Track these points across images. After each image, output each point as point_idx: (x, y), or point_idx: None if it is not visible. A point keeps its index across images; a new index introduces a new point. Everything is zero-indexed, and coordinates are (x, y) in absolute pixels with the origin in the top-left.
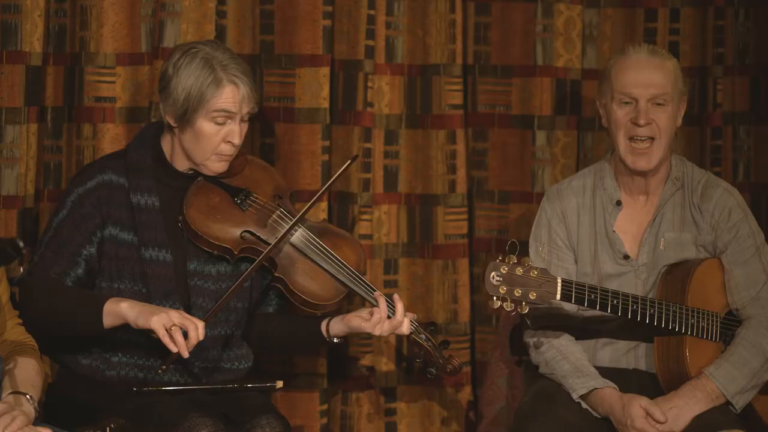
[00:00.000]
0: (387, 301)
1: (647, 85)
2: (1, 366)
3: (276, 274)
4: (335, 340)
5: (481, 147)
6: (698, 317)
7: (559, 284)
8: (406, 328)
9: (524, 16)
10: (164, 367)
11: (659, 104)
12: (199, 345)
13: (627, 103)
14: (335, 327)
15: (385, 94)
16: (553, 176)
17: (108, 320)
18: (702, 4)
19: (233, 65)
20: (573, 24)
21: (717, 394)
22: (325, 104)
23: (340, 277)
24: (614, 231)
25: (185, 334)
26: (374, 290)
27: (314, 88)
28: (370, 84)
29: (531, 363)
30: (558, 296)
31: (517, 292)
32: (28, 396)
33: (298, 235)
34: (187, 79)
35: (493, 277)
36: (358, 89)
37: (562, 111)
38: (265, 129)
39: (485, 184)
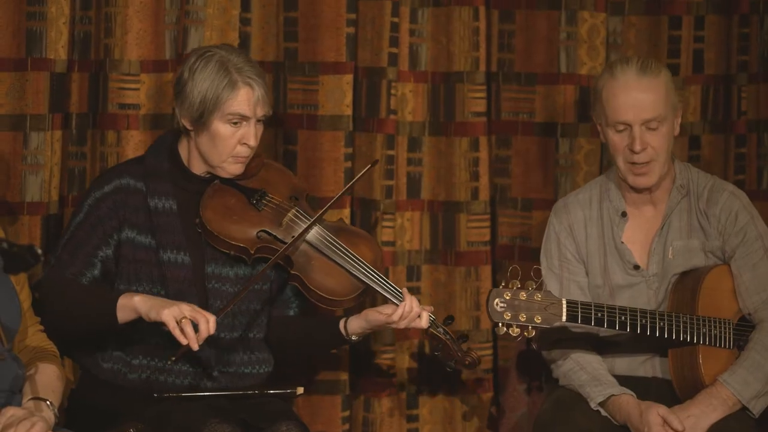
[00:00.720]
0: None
1: (638, 110)
2: (22, 372)
3: (292, 272)
4: (353, 338)
5: (504, 154)
6: (710, 326)
7: (564, 306)
8: (424, 321)
9: (548, 23)
10: (174, 358)
11: (652, 128)
12: (219, 348)
13: (621, 130)
14: (353, 324)
15: (408, 102)
16: (576, 183)
17: (122, 314)
18: (727, 11)
19: (248, 68)
20: (597, 32)
21: (733, 401)
22: (348, 111)
23: (356, 273)
24: (623, 242)
25: (196, 327)
26: (392, 285)
27: (337, 95)
28: (393, 91)
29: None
30: (564, 318)
31: (522, 317)
32: (48, 402)
33: (314, 233)
34: (203, 82)
35: (497, 304)
36: (382, 96)
37: (586, 118)
38: (288, 136)
39: (508, 191)
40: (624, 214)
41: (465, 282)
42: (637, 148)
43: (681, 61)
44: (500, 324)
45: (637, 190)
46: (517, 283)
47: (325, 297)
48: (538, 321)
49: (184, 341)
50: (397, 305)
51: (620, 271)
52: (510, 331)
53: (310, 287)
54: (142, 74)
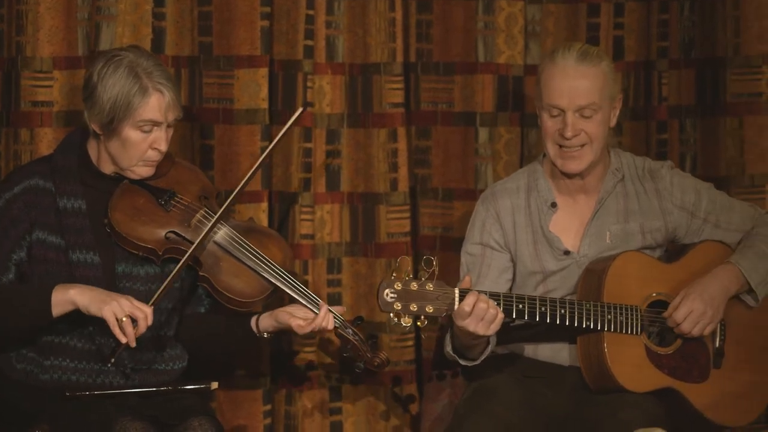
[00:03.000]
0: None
1: (573, 96)
2: None
3: (201, 273)
4: (265, 335)
5: (424, 145)
6: (616, 312)
7: (457, 295)
8: (330, 323)
9: (465, 13)
10: (113, 359)
11: (586, 116)
12: (135, 347)
13: (555, 115)
14: (264, 322)
15: (326, 94)
16: (496, 173)
17: (57, 309)
18: None
19: (158, 72)
20: (515, 20)
21: (742, 281)
22: (264, 105)
23: (265, 274)
24: (550, 230)
25: (135, 323)
26: (301, 286)
27: (253, 89)
28: (309, 84)
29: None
30: (456, 306)
31: (413, 307)
32: None
33: (223, 234)
34: (113, 87)
35: (387, 294)
36: (298, 89)
37: (505, 108)
38: (204, 130)
39: (429, 182)
40: (554, 205)
41: (386, 274)
42: (568, 134)
43: (601, 48)
44: (391, 314)
45: (568, 176)
46: (409, 273)
47: (234, 299)
48: (430, 311)
49: (123, 340)
50: (304, 305)
51: (551, 258)
52: (401, 321)
53: (218, 289)
54: (54, 71)
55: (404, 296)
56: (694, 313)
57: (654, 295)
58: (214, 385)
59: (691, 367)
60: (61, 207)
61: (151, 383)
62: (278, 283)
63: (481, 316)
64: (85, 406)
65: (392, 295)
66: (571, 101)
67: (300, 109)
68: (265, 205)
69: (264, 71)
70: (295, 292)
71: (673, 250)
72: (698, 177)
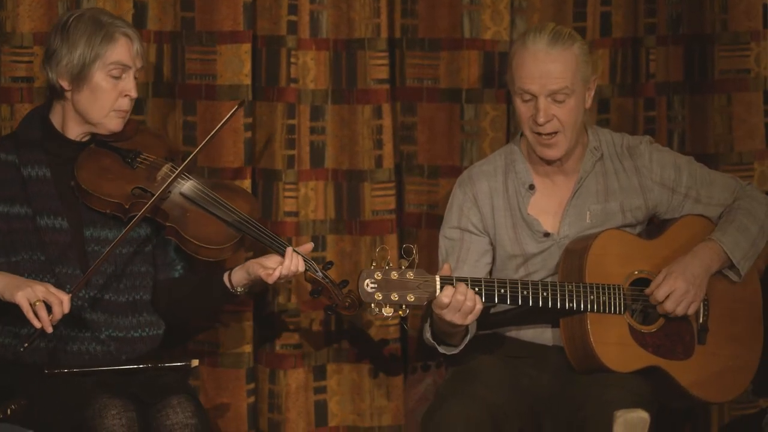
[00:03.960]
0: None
1: (545, 80)
2: None
3: (167, 224)
4: (239, 290)
5: (409, 121)
6: (598, 292)
7: (438, 282)
8: (300, 265)
9: None
10: (26, 345)
11: (558, 101)
12: (107, 312)
13: (527, 99)
14: (236, 275)
15: (310, 70)
16: (482, 150)
17: None
18: None
19: (120, 21)
20: None
21: (724, 258)
22: (247, 81)
23: (232, 221)
24: (529, 213)
25: (50, 309)
26: (270, 233)
27: (236, 64)
28: (293, 60)
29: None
30: (437, 294)
31: (394, 296)
32: None
33: (189, 186)
34: (80, 38)
35: (367, 285)
36: (281, 65)
37: (491, 84)
38: (186, 107)
39: (414, 159)
40: (531, 187)
41: (371, 251)
42: (541, 119)
43: (588, 24)
44: (372, 304)
45: (547, 161)
46: (389, 262)
47: (202, 246)
48: (411, 299)
49: (38, 324)
50: (277, 253)
51: (531, 241)
52: (383, 311)
53: (185, 237)
54: (35, 47)
55: (385, 286)
56: (676, 292)
57: (636, 272)
58: (195, 362)
59: (675, 345)
60: (25, 176)
61: (128, 351)
62: (245, 230)
63: (458, 308)
64: (65, 382)
65: (372, 285)
66: (542, 86)
67: (236, 107)
68: (248, 182)
69: (247, 47)
70: (261, 238)
71: (654, 226)
72: (687, 154)
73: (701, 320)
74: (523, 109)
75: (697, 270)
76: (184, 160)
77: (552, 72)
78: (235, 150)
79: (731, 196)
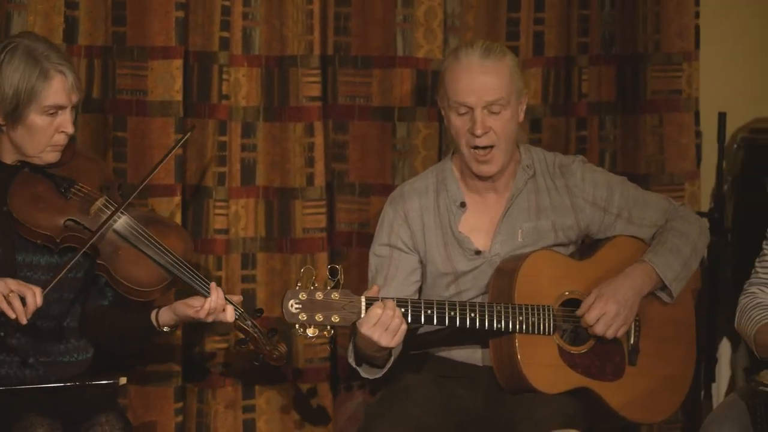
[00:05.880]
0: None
1: (481, 92)
2: None
3: (99, 261)
4: (165, 329)
5: (341, 139)
6: (527, 313)
7: (363, 303)
8: (229, 315)
9: (384, 6)
10: (2, 333)
11: (494, 112)
12: (34, 337)
13: (463, 113)
14: (164, 316)
15: (242, 86)
16: (414, 168)
17: None
18: None
19: (55, 55)
20: (434, 14)
21: (656, 279)
22: (179, 97)
23: (164, 263)
24: (460, 231)
25: (24, 302)
26: (200, 277)
27: (167, 80)
28: (225, 76)
29: None
30: (363, 315)
31: (319, 317)
32: None
33: (122, 223)
34: (13, 74)
35: (292, 305)
36: (213, 81)
37: (423, 102)
38: (117, 122)
39: (346, 177)
40: (462, 205)
41: (301, 270)
42: (478, 131)
43: (521, 43)
44: (296, 325)
45: (481, 178)
46: (314, 283)
47: (131, 288)
48: (336, 320)
49: (12, 315)
50: (196, 290)
51: (462, 259)
52: (307, 332)
53: (116, 277)
54: None
55: (310, 306)
56: (606, 315)
57: (567, 293)
58: (123, 380)
59: (605, 366)
60: None
61: (58, 375)
62: (177, 273)
63: (386, 325)
64: None
65: (297, 305)
66: (479, 98)
67: (188, 133)
68: (178, 199)
69: (179, 63)
70: (195, 283)
71: (587, 246)
72: (618, 174)
73: (632, 341)
74: (458, 123)
75: (628, 292)
76: (120, 189)
77: (487, 83)
78: (166, 167)
79: (663, 216)
